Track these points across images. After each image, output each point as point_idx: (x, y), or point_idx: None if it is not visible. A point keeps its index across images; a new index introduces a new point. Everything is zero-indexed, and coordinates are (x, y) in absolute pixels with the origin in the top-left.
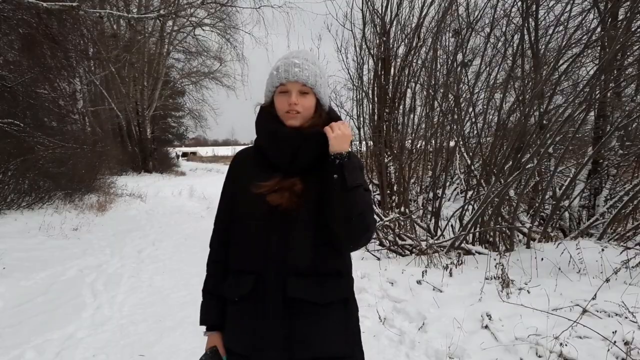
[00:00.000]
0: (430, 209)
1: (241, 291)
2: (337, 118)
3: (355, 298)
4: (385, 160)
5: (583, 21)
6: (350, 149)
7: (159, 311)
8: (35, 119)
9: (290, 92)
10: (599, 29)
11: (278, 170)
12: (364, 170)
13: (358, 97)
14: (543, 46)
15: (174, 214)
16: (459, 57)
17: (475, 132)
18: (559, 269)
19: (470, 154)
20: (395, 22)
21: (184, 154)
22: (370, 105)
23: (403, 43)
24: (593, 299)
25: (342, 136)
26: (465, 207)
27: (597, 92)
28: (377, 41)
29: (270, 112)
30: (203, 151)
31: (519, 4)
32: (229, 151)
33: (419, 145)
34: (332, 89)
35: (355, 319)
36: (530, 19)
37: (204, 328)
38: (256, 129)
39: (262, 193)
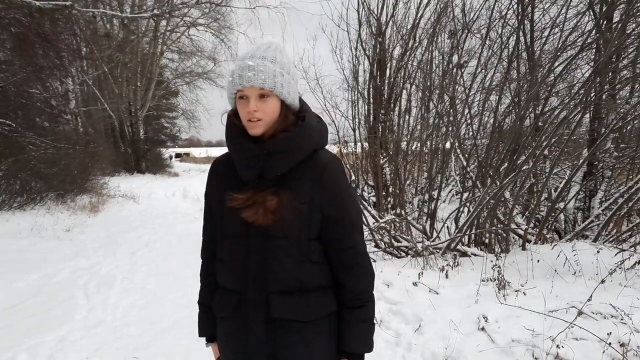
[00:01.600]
0: (425, 210)
1: (226, 311)
2: (309, 114)
3: None
4: (381, 162)
5: (578, 23)
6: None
7: (153, 313)
8: (27, 119)
9: (249, 98)
10: (594, 32)
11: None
12: (345, 183)
13: (353, 98)
14: (539, 48)
15: (167, 215)
16: (455, 58)
17: (471, 133)
18: (555, 270)
19: (466, 155)
20: (391, 23)
21: (177, 155)
22: (366, 106)
23: (399, 44)
24: (589, 300)
25: None
26: (461, 208)
27: (592, 95)
28: (373, 42)
29: (233, 122)
30: (196, 152)
31: (515, 6)
32: (223, 152)
33: (414, 147)
34: (327, 89)
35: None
36: (526, 21)
37: (197, 329)
38: (225, 140)
39: (235, 207)
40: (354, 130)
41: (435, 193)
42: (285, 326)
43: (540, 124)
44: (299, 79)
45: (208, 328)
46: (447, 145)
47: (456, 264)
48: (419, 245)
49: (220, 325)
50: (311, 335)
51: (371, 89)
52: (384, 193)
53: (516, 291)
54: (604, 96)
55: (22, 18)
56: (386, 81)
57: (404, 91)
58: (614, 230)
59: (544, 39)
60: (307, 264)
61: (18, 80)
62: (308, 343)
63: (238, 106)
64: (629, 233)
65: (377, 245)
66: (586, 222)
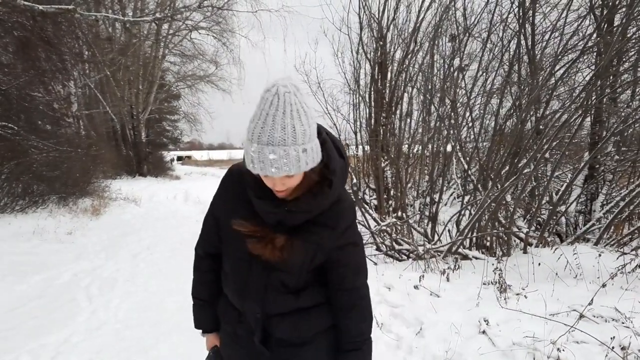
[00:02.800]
0: (427, 213)
1: (229, 326)
2: (333, 161)
3: None
4: (382, 165)
5: (579, 27)
6: None
7: (155, 315)
8: (30, 122)
9: (274, 180)
10: (594, 35)
11: None
12: (356, 232)
13: (355, 101)
14: (539, 52)
15: (169, 218)
16: (456, 62)
17: (472, 137)
18: (556, 274)
19: (467, 158)
20: (392, 27)
21: (179, 158)
22: (367, 110)
23: (400, 47)
24: (590, 304)
25: None
26: (462, 211)
27: (593, 98)
28: (374, 45)
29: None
30: (198, 155)
31: (516, 9)
32: (224, 155)
33: (415, 150)
34: (328, 92)
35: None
36: (527, 25)
37: (201, 337)
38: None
39: (242, 233)
40: (355, 133)
41: (436, 196)
42: (287, 342)
43: (541, 127)
44: (315, 119)
45: (203, 320)
46: (449, 148)
47: (457, 267)
48: (420, 249)
49: (224, 335)
50: (311, 350)
51: (372, 92)
52: (385, 196)
53: (517, 294)
54: (605, 100)
55: (25, 22)
56: (387, 84)
57: (405, 94)
58: (615, 234)
59: (545, 42)
60: (306, 290)
61: (20, 84)
62: (307, 357)
63: (263, 179)
64: (630, 236)
65: (378, 249)
66: (587, 226)
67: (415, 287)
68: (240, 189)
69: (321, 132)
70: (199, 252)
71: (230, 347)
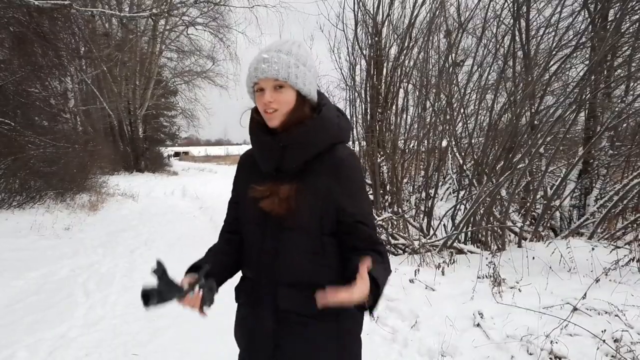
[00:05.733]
0: (422, 208)
1: (242, 297)
2: (328, 107)
3: (351, 314)
4: (378, 160)
5: (573, 22)
6: (374, 297)
7: (152, 310)
8: (26, 117)
9: (265, 90)
10: (589, 30)
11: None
12: (360, 182)
13: (351, 97)
14: (534, 47)
15: (166, 213)
16: (451, 57)
17: (467, 132)
18: (550, 267)
19: (463, 154)
20: (387, 23)
21: (176, 154)
22: (363, 105)
23: (395, 43)
24: (583, 297)
25: (352, 299)
26: (458, 206)
27: (587, 93)
28: (370, 41)
29: (254, 117)
30: (195, 151)
31: (510, 5)
32: (222, 151)
33: (411, 145)
34: (325, 89)
35: (350, 335)
36: (521, 20)
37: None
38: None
39: (255, 197)
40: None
41: (432, 191)
42: (291, 318)
43: (535, 122)
44: (316, 71)
45: (200, 261)
46: (444, 143)
47: (452, 261)
48: (416, 243)
49: (238, 311)
50: (317, 331)
51: (368, 88)
52: (381, 191)
53: (512, 288)
54: (599, 95)
55: (21, 17)
56: (383, 80)
57: (401, 90)
58: (609, 228)
59: (539, 37)
60: (318, 259)
61: (17, 79)
62: (313, 339)
63: (257, 100)
64: (624, 230)
65: None
66: (581, 220)
67: (411, 280)
68: (250, 164)
69: (322, 95)
70: (219, 239)
71: (239, 326)
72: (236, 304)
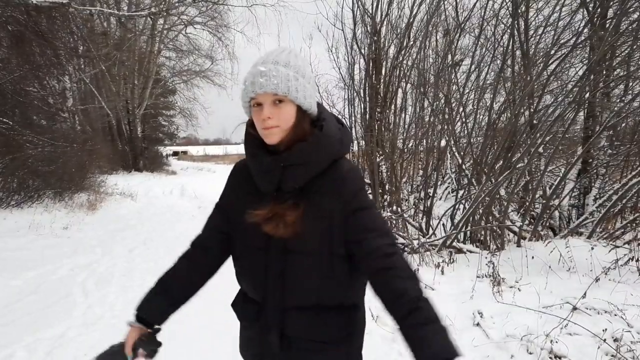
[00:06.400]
0: (421, 208)
1: (247, 319)
2: (329, 120)
3: (362, 326)
4: (377, 160)
5: (572, 21)
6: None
7: None
8: (25, 117)
9: (263, 105)
10: (587, 29)
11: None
12: (364, 194)
13: (349, 96)
14: (533, 46)
15: (165, 213)
16: (449, 57)
17: (466, 131)
18: (549, 267)
19: (461, 153)
20: (385, 22)
21: (175, 153)
22: (362, 105)
23: (394, 43)
24: (583, 297)
25: None
26: (457, 206)
27: (586, 92)
28: (368, 41)
29: (250, 132)
30: (194, 150)
31: (508, 4)
32: (220, 150)
33: (410, 145)
34: (323, 88)
35: (357, 351)
36: (520, 19)
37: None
38: (244, 150)
39: (257, 222)
40: (350, 128)
41: (431, 191)
42: (300, 345)
43: (534, 121)
44: (315, 82)
45: (147, 307)
46: (443, 143)
47: (452, 260)
48: (415, 242)
49: (242, 331)
50: (327, 356)
51: (367, 88)
52: (380, 191)
53: (511, 287)
54: (598, 94)
55: (19, 16)
56: (382, 79)
57: (400, 89)
58: (608, 227)
59: (538, 37)
60: (327, 281)
61: (15, 79)
62: None
63: (253, 115)
64: (623, 230)
65: None
66: (580, 219)
67: None
68: (244, 180)
69: (322, 107)
70: (193, 247)
71: (245, 345)
72: (238, 319)
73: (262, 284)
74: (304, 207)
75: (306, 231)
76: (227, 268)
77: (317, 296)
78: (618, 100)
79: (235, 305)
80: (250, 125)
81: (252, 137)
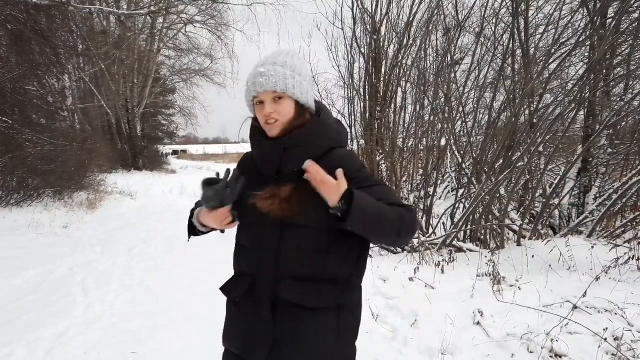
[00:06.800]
0: (422, 207)
1: (237, 292)
2: (327, 113)
3: (356, 308)
4: (377, 159)
5: (572, 20)
6: (346, 195)
7: (151, 309)
8: (24, 115)
9: (264, 102)
10: (588, 28)
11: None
12: (367, 173)
13: (349, 95)
14: (533, 45)
15: (164, 212)
16: (449, 56)
17: (466, 130)
18: (550, 266)
19: (462, 152)
20: (385, 21)
21: (174, 152)
22: (362, 104)
23: (393, 42)
24: (584, 296)
25: (323, 187)
26: (457, 205)
27: (586, 91)
28: (368, 40)
29: (255, 126)
30: (193, 149)
31: (509, 3)
32: (220, 149)
33: (410, 144)
34: (323, 87)
35: (350, 330)
36: (520, 18)
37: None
38: (250, 141)
39: (256, 202)
40: (350, 127)
41: (431, 190)
42: (292, 312)
43: (535, 120)
44: (312, 79)
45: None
46: (443, 142)
47: (452, 259)
48: (415, 241)
49: (229, 310)
50: (317, 325)
51: (367, 87)
52: None
53: (511, 286)
54: (598, 93)
55: (19, 15)
56: (382, 78)
57: (400, 88)
58: (608, 226)
59: (539, 35)
60: (322, 254)
61: (14, 77)
62: (313, 333)
63: (257, 112)
64: (623, 229)
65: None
66: (580, 218)
67: (411, 279)
68: (249, 168)
69: (321, 104)
70: None
71: (231, 321)
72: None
73: (259, 256)
74: (302, 187)
75: (303, 207)
76: (225, 266)
77: (310, 268)
78: (618, 99)
79: (225, 285)
80: (255, 120)
81: (257, 128)
